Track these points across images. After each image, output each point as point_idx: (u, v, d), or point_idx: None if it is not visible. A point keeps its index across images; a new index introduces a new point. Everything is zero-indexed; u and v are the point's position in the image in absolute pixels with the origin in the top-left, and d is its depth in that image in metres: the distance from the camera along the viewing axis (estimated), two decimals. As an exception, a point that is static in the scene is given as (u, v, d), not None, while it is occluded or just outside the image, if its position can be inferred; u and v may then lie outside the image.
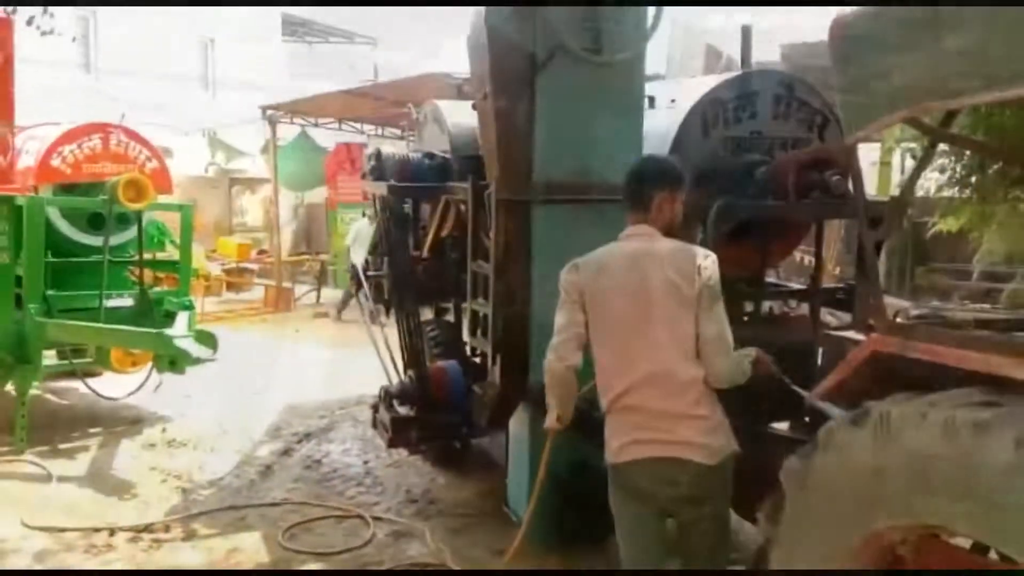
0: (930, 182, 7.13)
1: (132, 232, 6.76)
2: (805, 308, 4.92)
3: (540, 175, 3.87)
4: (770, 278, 5.01)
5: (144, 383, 6.85)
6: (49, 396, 7.44)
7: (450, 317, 6.10)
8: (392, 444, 5.39)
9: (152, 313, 6.59)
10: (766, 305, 4.66)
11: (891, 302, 4.81)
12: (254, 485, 5.54)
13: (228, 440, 6.47)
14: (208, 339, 6.50)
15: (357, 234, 11.17)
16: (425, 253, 5.83)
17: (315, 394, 7.86)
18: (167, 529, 4.81)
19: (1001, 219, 6.69)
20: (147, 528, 4.80)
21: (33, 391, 6.45)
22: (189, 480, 5.61)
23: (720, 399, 2.90)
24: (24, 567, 4.34)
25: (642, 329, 2.85)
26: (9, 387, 6.30)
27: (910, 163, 13.91)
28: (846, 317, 4.91)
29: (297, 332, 11.44)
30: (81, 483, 5.49)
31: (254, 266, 15.29)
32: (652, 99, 4.42)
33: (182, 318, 6.47)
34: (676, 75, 9.28)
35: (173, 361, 6.46)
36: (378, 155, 5.69)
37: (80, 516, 4.96)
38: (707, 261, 2.88)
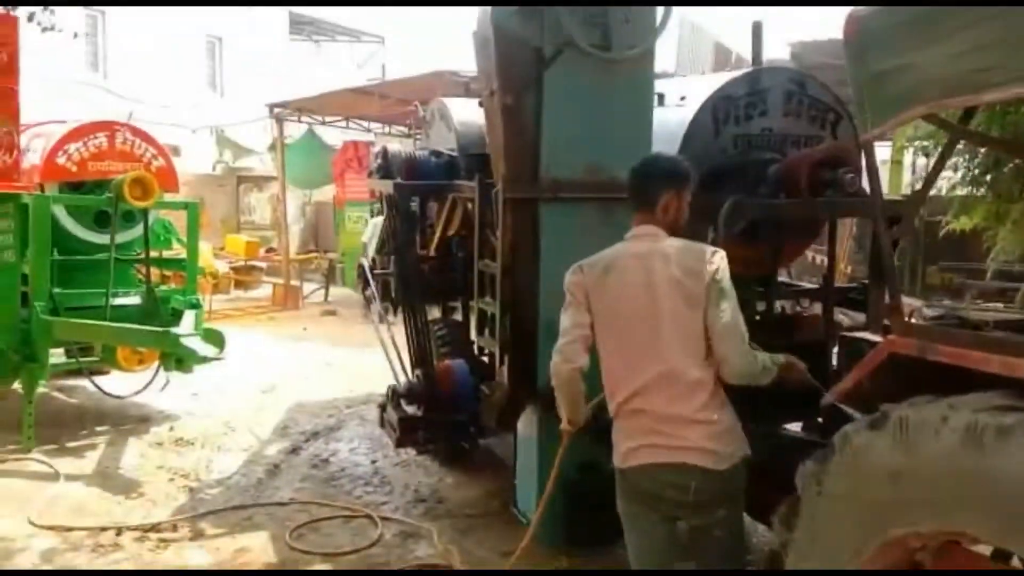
0: (943, 180, 7.05)
1: (138, 230, 6.74)
2: (817, 308, 4.88)
3: (547, 173, 3.83)
4: (782, 277, 4.95)
5: (151, 381, 6.85)
6: (56, 394, 7.43)
7: (457, 316, 6.06)
8: (400, 444, 5.36)
9: (159, 311, 6.56)
10: (778, 305, 4.60)
11: (903, 301, 4.78)
12: (261, 484, 5.52)
13: (235, 438, 6.45)
14: (215, 337, 6.50)
15: (374, 231, 11.12)
16: (432, 251, 5.80)
17: (323, 392, 7.85)
18: (174, 528, 4.79)
19: (1016, 217, 6.60)
20: (154, 527, 4.78)
21: (40, 389, 6.43)
22: (196, 479, 5.59)
23: (730, 400, 2.85)
24: (31, 567, 4.32)
25: (648, 331, 2.80)
26: (16, 385, 6.31)
27: (922, 161, 13.90)
28: (859, 317, 4.86)
29: (305, 330, 11.42)
30: (88, 482, 5.47)
31: (262, 264, 15.29)
32: (661, 96, 4.37)
33: (189, 316, 6.45)
34: (685, 73, 9.21)
35: (180, 360, 6.45)
36: (385, 153, 5.67)
37: (87, 515, 4.95)
38: (715, 257, 2.82)
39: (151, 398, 7.08)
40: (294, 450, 6.21)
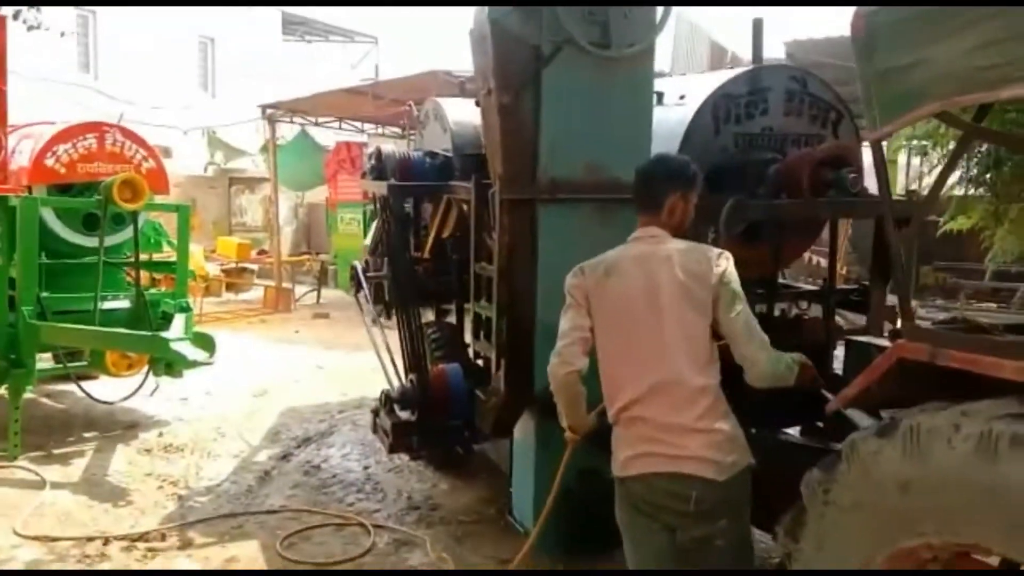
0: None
1: (128, 233, 6.65)
2: (816, 310, 4.81)
3: (545, 173, 3.74)
4: (780, 279, 4.88)
5: (140, 387, 6.75)
6: (43, 400, 7.31)
7: (451, 319, 5.97)
8: (393, 449, 5.27)
9: (148, 315, 6.46)
10: (777, 307, 4.53)
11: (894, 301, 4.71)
12: (252, 491, 5.42)
13: (225, 444, 6.36)
14: (206, 342, 6.40)
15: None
16: (426, 254, 5.72)
17: (314, 396, 7.76)
18: (163, 538, 4.70)
19: (1013, 217, 6.55)
20: (142, 537, 4.68)
21: (27, 395, 6.32)
22: (185, 486, 5.49)
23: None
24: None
25: (651, 336, 2.73)
26: (2, 391, 6.19)
27: (916, 161, 13.87)
28: (854, 318, 4.80)
29: (297, 333, 11.32)
30: (75, 490, 5.37)
31: (254, 266, 15.18)
32: (660, 95, 4.30)
33: (179, 320, 6.35)
34: (680, 72, 9.16)
35: (170, 364, 6.38)
36: (379, 154, 5.58)
37: (74, 524, 4.85)
38: (721, 260, 2.75)
39: (140, 403, 6.98)
40: (285, 456, 6.12)
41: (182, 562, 4.43)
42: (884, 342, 2.70)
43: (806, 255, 7.45)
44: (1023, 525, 1.96)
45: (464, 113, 5.30)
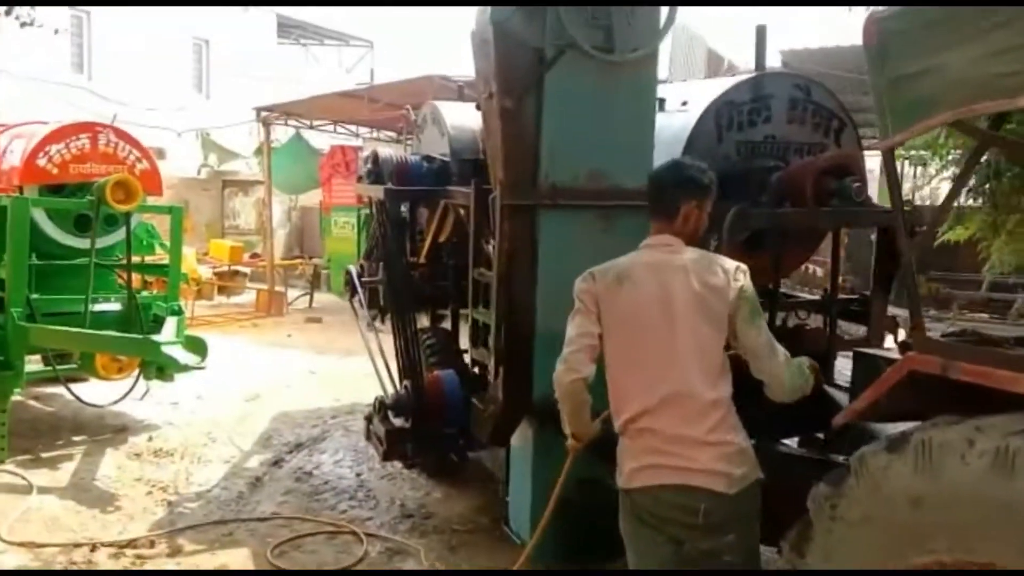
0: (937, 190, 6.97)
1: (120, 234, 6.56)
2: (814, 319, 4.76)
3: (547, 179, 3.68)
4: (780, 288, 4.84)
5: (130, 390, 6.66)
6: (32, 403, 7.21)
7: (446, 325, 5.91)
8: (386, 457, 5.19)
9: (140, 318, 6.38)
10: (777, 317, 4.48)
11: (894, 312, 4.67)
12: (242, 498, 5.35)
13: (216, 449, 6.27)
14: (197, 345, 6.33)
15: None
16: (422, 259, 5.67)
17: (307, 402, 7.67)
18: (151, 545, 4.62)
19: (1011, 228, 6.53)
20: (130, 544, 4.61)
21: (15, 397, 6.22)
22: (175, 492, 5.41)
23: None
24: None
25: (663, 347, 2.68)
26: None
27: (911, 172, 13.86)
28: (849, 328, 4.74)
29: (289, 337, 11.23)
30: (63, 495, 5.28)
31: (246, 269, 15.08)
32: (662, 101, 4.25)
33: (170, 323, 6.28)
34: (678, 80, 9.12)
35: (161, 368, 6.30)
36: (375, 158, 5.52)
37: (61, 530, 4.77)
38: (739, 273, 2.72)
39: (130, 407, 6.89)
40: (277, 462, 6.04)
41: (171, 570, 4.36)
42: (893, 354, 2.65)
43: (802, 265, 7.41)
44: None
45: (462, 117, 5.26)
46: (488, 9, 3.61)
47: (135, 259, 6.63)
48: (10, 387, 5.95)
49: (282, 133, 16.04)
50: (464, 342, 5.60)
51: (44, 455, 5.97)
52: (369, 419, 5.45)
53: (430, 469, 5.64)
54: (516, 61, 3.60)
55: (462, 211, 5.01)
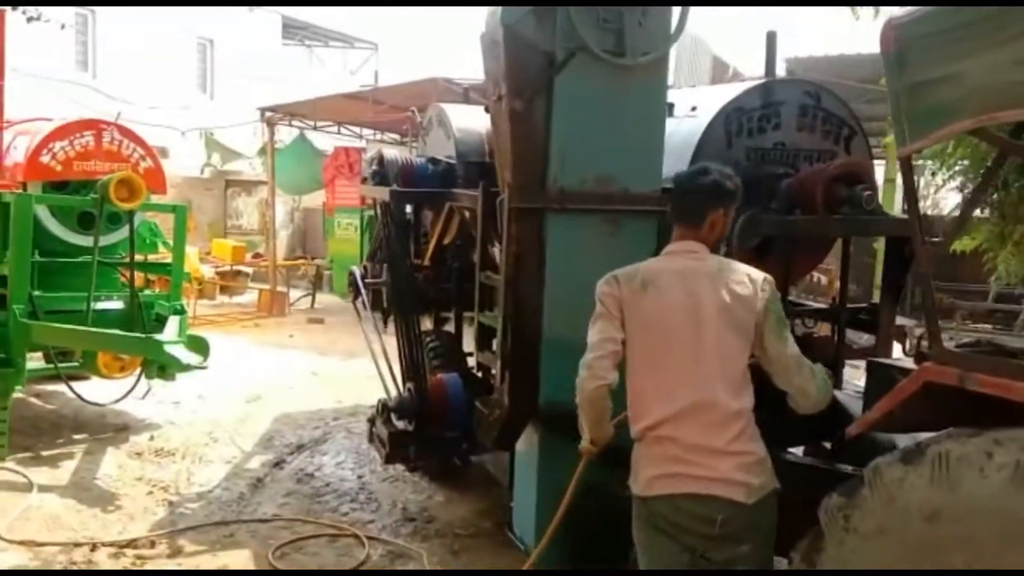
0: (946, 201, 6.93)
1: (123, 233, 6.53)
2: (822, 327, 4.73)
3: (555, 182, 3.66)
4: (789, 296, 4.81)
5: (132, 389, 6.62)
6: (33, 400, 7.18)
7: (450, 327, 5.89)
8: (389, 460, 5.18)
9: (142, 317, 6.37)
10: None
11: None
12: (244, 499, 5.31)
13: (218, 450, 6.24)
14: (200, 345, 6.30)
15: None
16: (426, 261, 5.64)
17: (308, 403, 7.64)
18: (152, 545, 4.59)
19: (1017, 239, 6.49)
20: (131, 544, 4.58)
21: (16, 395, 6.20)
22: (176, 492, 5.38)
23: None
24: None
25: (689, 355, 2.64)
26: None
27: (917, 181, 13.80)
28: (854, 336, 4.71)
29: (291, 338, 11.20)
30: (63, 493, 5.25)
31: (248, 269, 15.06)
32: (671, 106, 4.23)
33: (173, 323, 6.26)
34: (682, 86, 9.11)
35: (163, 367, 6.26)
36: (381, 159, 5.50)
37: (61, 529, 4.74)
38: (767, 285, 2.71)
39: (131, 406, 6.85)
40: (278, 463, 6.01)
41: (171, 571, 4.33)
42: (907, 364, 2.62)
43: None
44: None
45: (468, 120, 5.24)
46: (498, 10, 3.58)
47: (138, 257, 6.60)
48: (11, 385, 5.92)
49: (286, 134, 16.03)
50: (468, 345, 5.59)
51: (45, 453, 5.94)
52: (372, 421, 5.43)
53: (432, 472, 5.61)
54: (526, 63, 3.57)
55: (467, 214, 4.98)
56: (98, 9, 19.14)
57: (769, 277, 2.74)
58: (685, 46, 10.64)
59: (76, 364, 6.70)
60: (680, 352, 2.65)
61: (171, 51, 20.22)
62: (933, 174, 6.66)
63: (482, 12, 3.87)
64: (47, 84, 16.30)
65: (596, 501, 3.41)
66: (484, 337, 4.64)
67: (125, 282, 6.65)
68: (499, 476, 5.32)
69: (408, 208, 5.55)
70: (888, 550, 2.27)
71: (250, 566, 4.42)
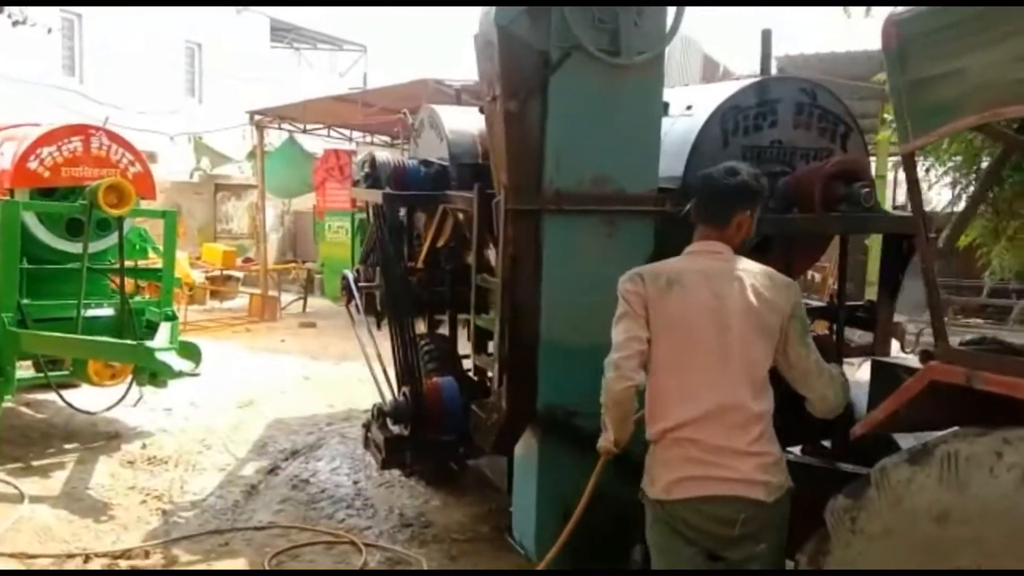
0: (938, 196, 6.92)
1: (113, 239, 6.46)
2: (818, 326, 4.71)
3: (551, 183, 3.62)
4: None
5: (123, 397, 6.53)
6: (23, 409, 7.10)
7: (444, 330, 5.84)
8: (385, 465, 5.13)
9: (133, 324, 6.29)
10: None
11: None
12: (238, 507, 5.26)
13: (211, 457, 6.18)
14: (191, 351, 6.25)
15: None
16: (419, 264, 5.60)
17: (302, 408, 7.59)
18: (146, 555, 4.54)
19: (1011, 234, 6.48)
20: (124, 554, 4.52)
21: (6, 404, 6.13)
22: (170, 501, 5.32)
23: None
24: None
25: (714, 358, 2.62)
26: (-20, 401, 6.00)
27: (902, 176, 13.82)
28: (851, 334, 4.69)
29: (283, 342, 11.14)
30: (55, 503, 5.18)
31: (239, 274, 14.97)
32: (666, 106, 4.19)
33: (164, 329, 6.19)
34: (673, 85, 9.08)
35: (154, 374, 6.20)
36: (373, 162, 5.45)
37: (53, 540, 4.67)
38: (793, 290, 2.71)
39: (123, 414, 6.78)
40: (272, 470, 5.95)
41: (166, 582, 4.28)
42: (912, 363, 2.60)
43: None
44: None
45: (461, 121, 5.20)
46: (492, 10, 3.54)
47: (128, 264, 6.53)
48: (1, 393, 5.85)
49: (275, 137, 15.97)
50: (462, 348, 5.55)
51: (35, 463, 5.87)
52: (367, 426, 5.38)
53: (429, 477, 5.57)
54: (520, 63, 3.53)
55: (461, 216, 4.95)
56: (85, 13, 19.03)
57: (794, 282, 2.75)
58: (675, 45, 10.60)
59: (66, 372, 6.62)
60: (705, 354, 2.63)
61: (159, 55, 20.12)
62: (927, 170, 6.64)
63: (473, 13, 3.84)
64: (34, 89, 16.21)
65: (596, 503, 3.37)
66: (480, 340, 4.60)
67: (115, 289, 6.59)
68: (496, 480, 5.29)
69: (401, 211, 5.51)
70: (896, 551, 2.25)
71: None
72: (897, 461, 2.25)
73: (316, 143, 16.24)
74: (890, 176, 12.73)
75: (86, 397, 6.72)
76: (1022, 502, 1.94)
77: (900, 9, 2.29)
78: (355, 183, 5.97)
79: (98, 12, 18.89)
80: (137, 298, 6.85)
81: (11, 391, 6.07)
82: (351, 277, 5.80)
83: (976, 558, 2.07)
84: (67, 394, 6.50)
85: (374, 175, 5.37)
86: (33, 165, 6.37)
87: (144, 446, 6.32)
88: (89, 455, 6.08)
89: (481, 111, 3.95)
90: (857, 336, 4.56)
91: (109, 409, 6.61)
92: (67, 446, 6.28)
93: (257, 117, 13.80)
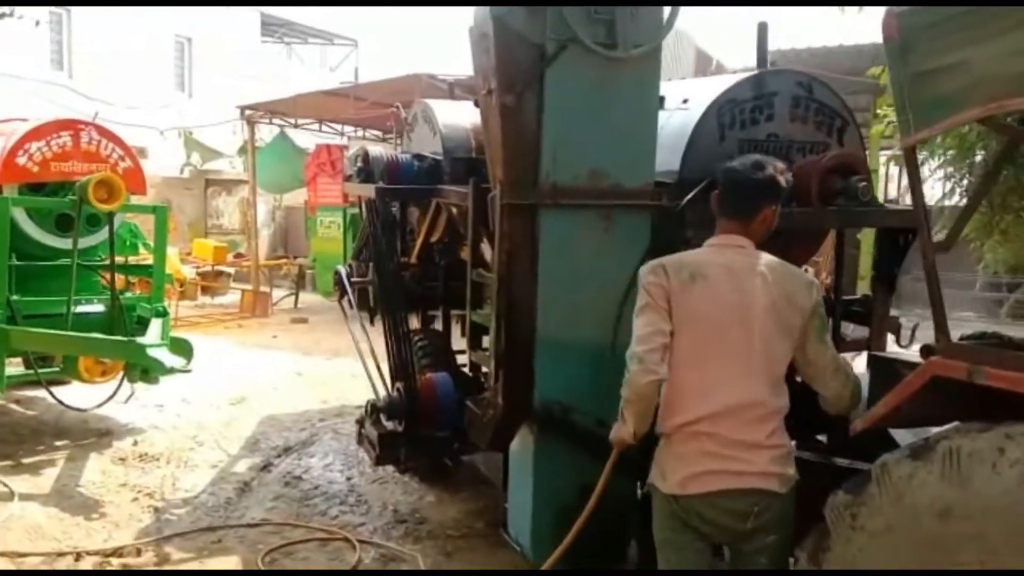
0: (931, 191, 6.89)
1: (103, 234, 6.42)
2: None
3: (548, 177, 3.58)
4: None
5: (114, 393, 6.51)
6: (13, 406, 7.04)
7: (438, 326, 5.81)
8: (379, 461, 5.10)
9: (123, 320, 6.25)
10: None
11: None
12: (231, 504, 5.22)
13: (203, 454, 6.14)
14: (183, 347, 6.21)
15: None
16: (413, 259, 5.56)
17: (294, 404, 7.55)
18: (138, 553, 4.50)
19: (1004, 228, 6.49)
20: (116, 552, 4.49)
21: (-5, 401, 6.09)
22: (162, 498, 5.28)
23: None
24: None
25: (736, 354, 2.61)
26: (-31, 398, 5.96)
27: (894, 171, 13.86)
28: (845, 328, 4.68)
29: (275, 338, 11.09)
30: (45, 501, 5.14)
31: (230, 269, 14.91)
32: (662, 99, 4.16)
33: (155, 325, 6.15)
34: (670, 78, 9.07)
35: (145, 371, 6.15)
36: (366, 156, 5.40)
37: (44, 538, 4.63)
38: (815, 288, 2.71)
39: (114, 411, 6.73)
40: (265, 466, 5.92)
41: (159, 580, 4.25)
42: (912, 357, 2.59)
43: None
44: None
45: (454, 116, 5.16)
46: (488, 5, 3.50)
47: (118, 259, 6.48)
48: (-10, 391, 5.81)
49: (266, 132, 15.88)
50: (456, 343, 5.52)
51: (25, 461, 5.81)
52: (361, 423, 5.34)
53: (423, 473, 5.54)
54: (516, 56, 3.48)
55: (455, 210, 4.91)
56: (73, 7, 18.88)
57: (816, 281, 2.74)
58: (668, 39, 10.59)
59: (56, 369, 6.58)
60: (726, 349, 2.62)
61: (148, 49, 19.98)
62: (921, 164, 6.63)
63: (466, 9, 3.79)
64: (21, 84, 16.08)
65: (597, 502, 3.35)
66: (475, 335, 4.57)
67: (105, 285, 6.54)
68: (491, 475, 5.26)
69: (394, 206, 5.47)
70: (897, 548, 2.23)
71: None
72: (898, 457, 2.24)
73: (307, 138, 16.16)
74: (882, 171, 12.74)
75: (77, 394, 6.67)
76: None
77: (897, 9, 2.26)
78: (347, 178, 5.91)
79: (87, 7, 18.75)
80: (128, 294, 6.83)
81: (1, 388, 6.02)
82: (344, 272, 5.76)
83: (979, 555, 2.05)
84: (57, 391, 6.47)
85: (367, 169, 5.32)
86: (22, 160, 6.31)
87: (135, 443, 6.28)
88: (80, 452, 6.03)
89: (476, 105, 3.91)
90: (850, 331, 4.55)
91: (100, 406, 6.57)
92: (57, 443, 6.23)
93: (248, 112, 13.72)
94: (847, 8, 6.22)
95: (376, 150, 5.51)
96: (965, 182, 6.48)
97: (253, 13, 23.87)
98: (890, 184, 13.40)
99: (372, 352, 5.30)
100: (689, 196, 3.63)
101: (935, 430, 2.32)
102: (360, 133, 15.21)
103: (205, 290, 14.02)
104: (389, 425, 4.99)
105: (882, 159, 12.43)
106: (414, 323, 5.65)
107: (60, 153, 6.45)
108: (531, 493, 3.80)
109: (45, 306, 6.13)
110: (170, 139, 17.99)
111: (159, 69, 20.77)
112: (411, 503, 5.24)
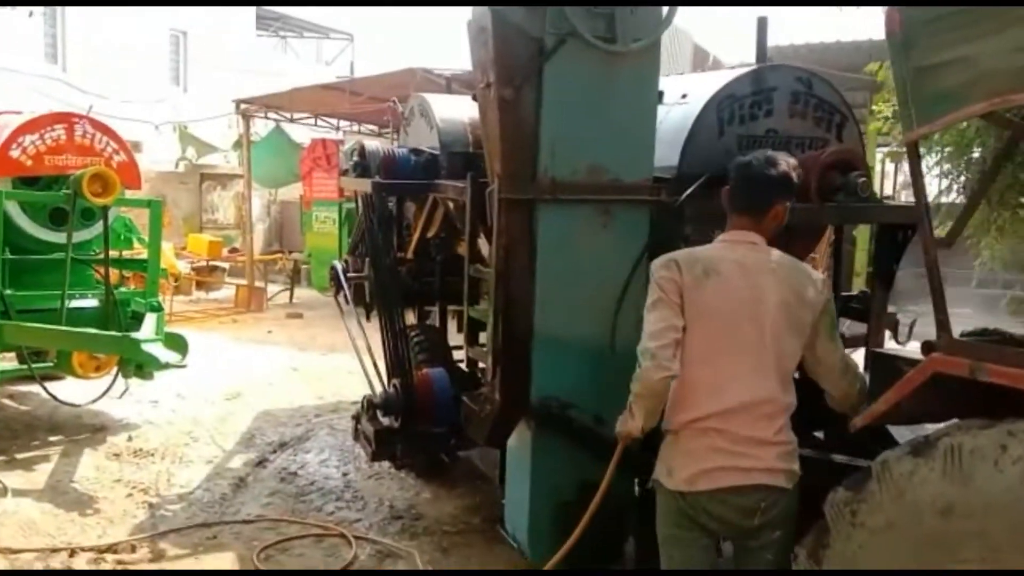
0: (928, 186, 6.88)
1: (97, 229, 6.37)
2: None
3: (546, 172, 3.56)
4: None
5: (109, 389, 6.45)
6: (6, 402, 7.00)
7: (434, 321, 5.79)
8: (376, 457, 5.09)
9: (118, 315, 6.22)
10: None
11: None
12: (226, 499, 5.20)
13: (198, 449, 6.11)
14: (177, 343, 6.18)
15: None
16: (409, 254, 5.54)
17: (289, 399, 7.53)
18: (133, 549, 4.48)
19: (1001, 225, 6.49)
20: (111, 548, 4.46)
21: (-11, 396, 6.06)
22: (156, 494, 5.25)
23: None
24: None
25: (749, 352, 2.60)
26: (-38, 392, 5.92)
27: (889, 168, 13.87)
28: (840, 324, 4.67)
29: (270, 333, 11.05)
30: (39, 497, 5.11)
31: (225, 264, 14.86)
32: (661, 94, 4.14)
33: (150, 320, 6.11)
34: (669, 73, 9.04)
35: (140, 366, 6.13)
36: (362, 151, 5.39)
37: (38, 534, 4.60)
38: (825, 287, 2.73)
39: (108, 406, 6.69)
40: (261, 462, 5.89)
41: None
42: (912, 354, 2.58)
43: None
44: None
45: (451, 110, 5.14)
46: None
47: (113, 254, 6.44)
48: (-17, 386, 5.78)
49: (262, 126, 15.83)
50: (452, 339, 5.50)
51: (19, 456, 5.78)
52: (357, 418, 5.33)
53: (419, 469, 5.53)
54: (515, 50, 3.46)
55: (452, 205, 4.89)
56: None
57: (826, 279, 2.77)
58: (665, 34, 10.57)
59: (50, 364, 6.52)
60: (738, 346, 2.61)
61: (143, 43, 19.92)
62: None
63: (463, 8, 3.77)
64: (15, 77, 16.00)
65: (590, 496, 3.34)
66: (473, 331, 4.55)
67: (100, 279, 6.50)
68: (488, 472, 5.25)
69: (391, 200, 5.45)
70: (898, 545, 2.22)
71: (235, 569, 4.31)
72: (900, 454, 2.23)
73: (303, 132, 16.11)
74: (878, 167, 12.74)
75: (71, 389, 6.64)
76: (1029, 496, 1.92)
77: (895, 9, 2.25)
78: (344, 172, 5.90)
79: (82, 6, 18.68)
80: (122, 289, 6.77)
81: (-6, 383, 6.00)
82: (340, 268, 5.74)
83: (981, 552, 2.04)
84: (51, 386, 6.44)
85: (363, 164, 5.30)
86: (15, 154, 6.27)
87: (130, 438, 6.24)
88: (74, 448, 6.00)
89: (474, 99, 3.89)
90: (847, 327, 4.54)
91: (94, 401, 6.53)
92: (51, 439, 6.20)
93: (243, 106, 13.66)
94: (846, 7, 6.21)
95: (372, 144, 5.49)
96: (963, 179, 6.49)
97: (248, 8, 23.79)
98: (886, 181, 13.40)
99: (368, 348, 5.28)
100: (688, 191, 3.62)
101: (931, 427, 2.31)
102: (356, 128, 15.17)
103: (200, 285, 13.98)
104: (385, 421, 4.97)
105: (879, 156, 12.44)
106: (411, 319, 5.63)
107: (54, 147, 6.41)
108: (528, 489, 3.79)
109: (39, 301, 6.08)
110: (165, 133, 17.92)
111: (154, 63, 20.70)
112: (407, 499, 5.22)
